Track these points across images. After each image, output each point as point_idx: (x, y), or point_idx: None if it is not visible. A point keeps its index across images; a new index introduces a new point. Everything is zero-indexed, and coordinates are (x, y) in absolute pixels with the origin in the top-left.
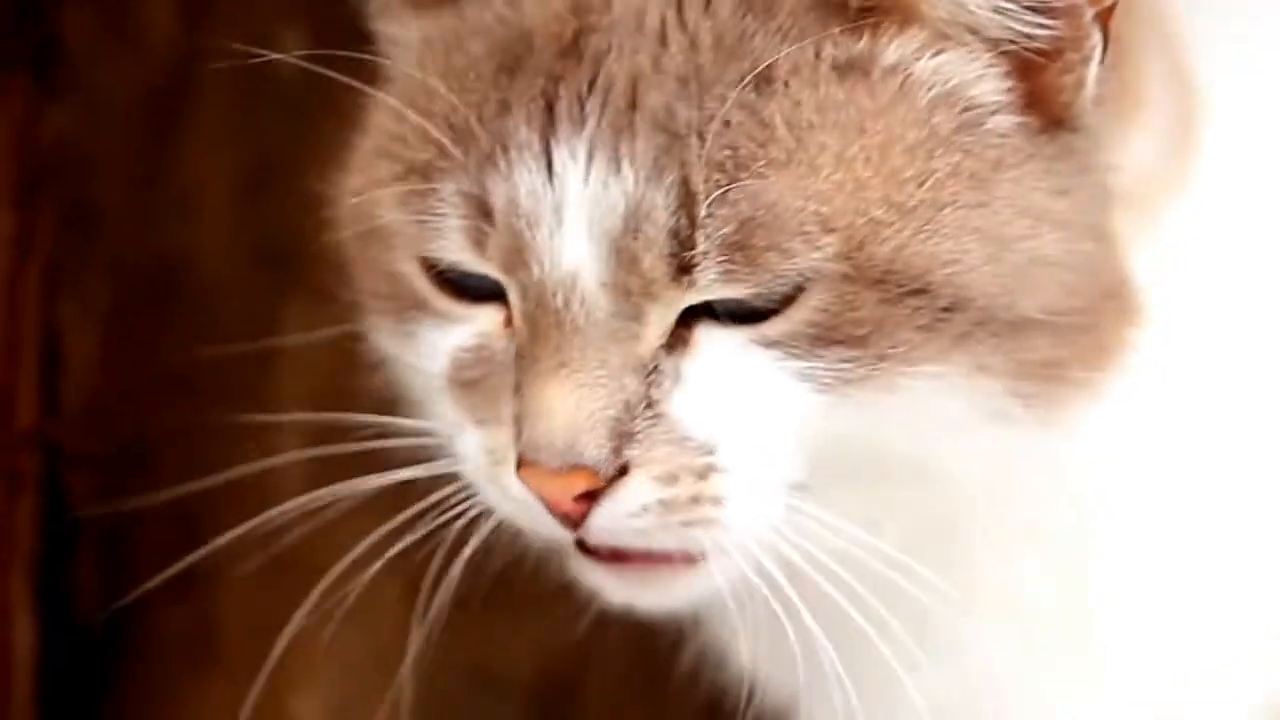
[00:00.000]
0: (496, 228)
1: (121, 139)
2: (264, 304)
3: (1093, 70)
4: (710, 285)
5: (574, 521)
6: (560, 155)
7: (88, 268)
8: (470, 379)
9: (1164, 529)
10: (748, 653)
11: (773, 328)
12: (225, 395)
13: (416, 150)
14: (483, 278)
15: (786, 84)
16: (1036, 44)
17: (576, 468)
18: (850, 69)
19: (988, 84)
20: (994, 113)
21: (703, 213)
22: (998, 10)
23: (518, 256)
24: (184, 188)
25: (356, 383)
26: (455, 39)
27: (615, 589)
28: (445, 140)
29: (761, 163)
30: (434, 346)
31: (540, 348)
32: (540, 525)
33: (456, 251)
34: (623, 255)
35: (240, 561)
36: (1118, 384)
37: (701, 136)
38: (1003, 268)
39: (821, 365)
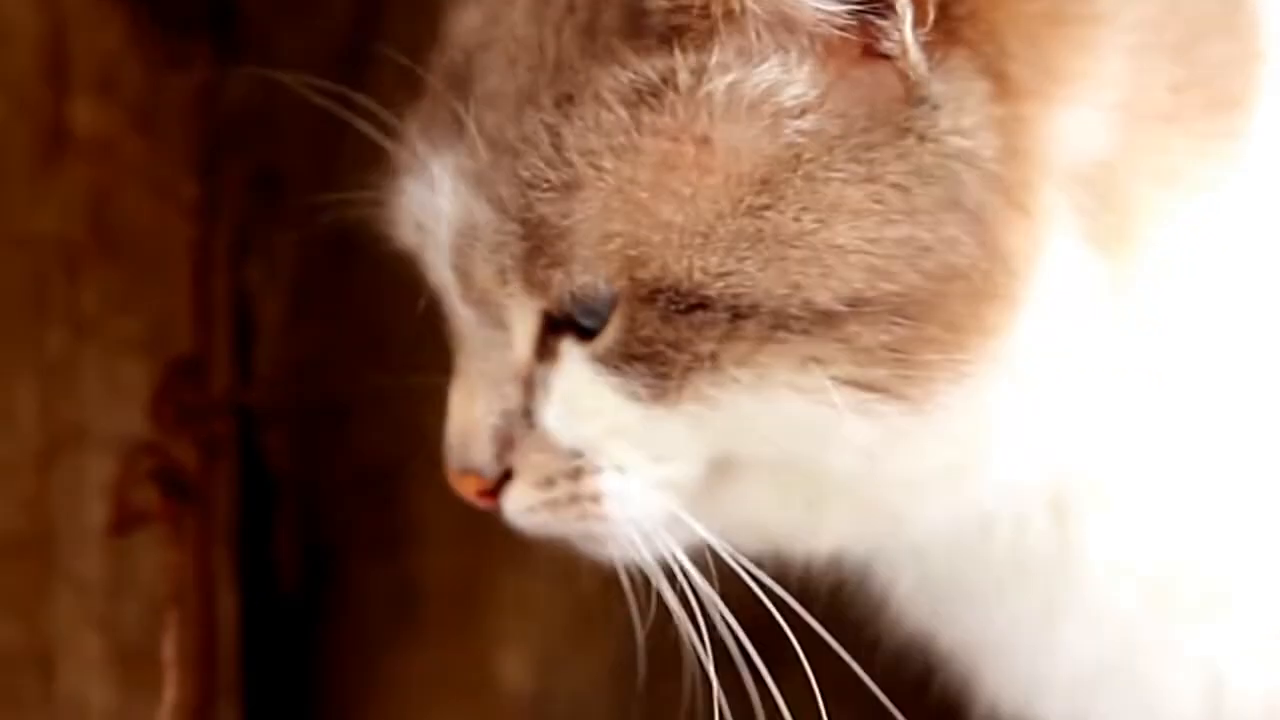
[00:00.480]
0: (413, 235)
1: (303, 101)
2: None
3: (908, 36)
4: (519, 296)
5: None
6: (435, 169)
7: (274, 232)
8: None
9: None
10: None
11: (597, 345)
12: (415, 353)
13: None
14: None
15: (583, 107)
16: (841, 21)
17: (467, 470)
18: (640, 93)
19: (796, 87)
20: (799, 114)
21: (508, 228)
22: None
23: (422, 265)
24: (366, 148)
25: None
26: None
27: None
28: (397, 156)
29: (551, 183)
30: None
31: (455, 353)
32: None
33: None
34: (460, 267)
35: (439, 521)
36: (1000, 365)
37: (513, 154)
38: (787, 266)
39: (634, 380)
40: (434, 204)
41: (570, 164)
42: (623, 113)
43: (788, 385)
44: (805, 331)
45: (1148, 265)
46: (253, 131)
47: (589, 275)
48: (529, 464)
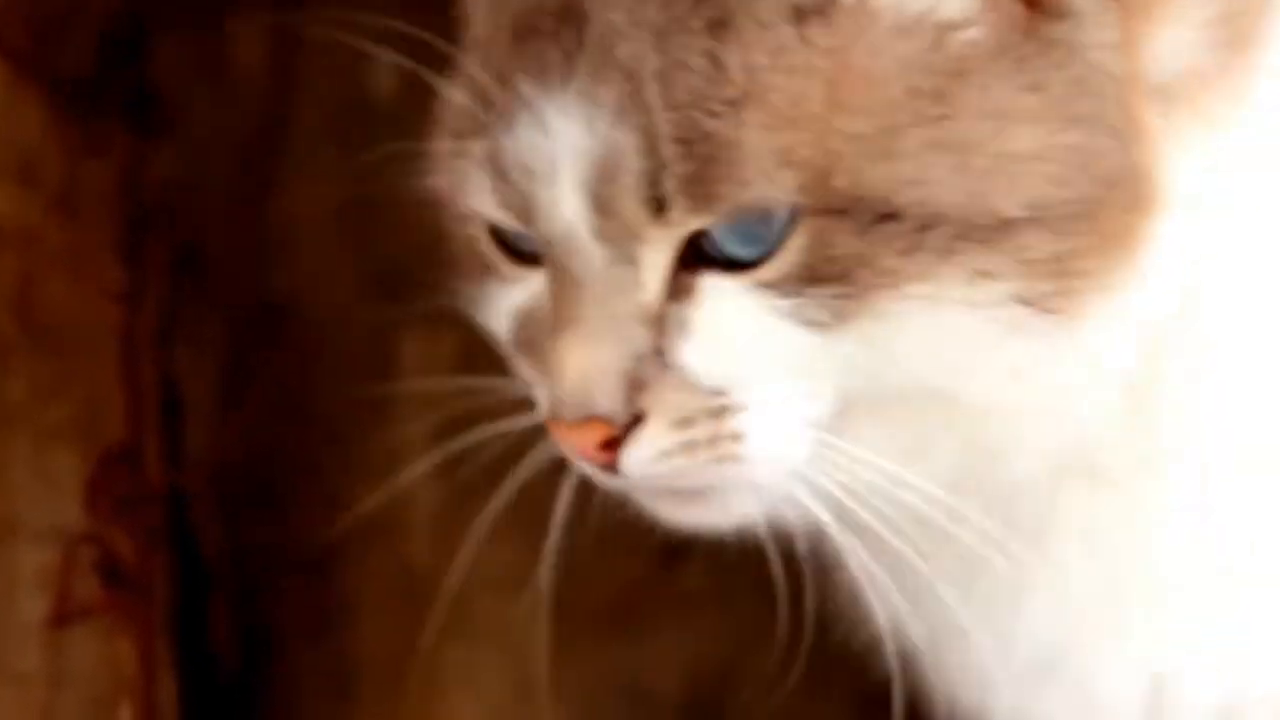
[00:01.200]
0: (511, 187)
1: (223, 180)
2: (379, 335)
3: None
4: (682, 221)
5: (608, 468)
6: (551, 111)
7: (200, 313)
8: (526, 339)
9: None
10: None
11: (766, 272)
12: (348, 431)
13: (456, 118)
14: (527, 238)
15: (743, 28)
16: None
17: (591, 419)
18: (802, 11)
19: (955, 1)
20: (962, 27)
21: (668, 151)
22: None
23: (529, 213)
24: (288, 223)
25: (480, 405)
26: (490, 13)
27: (669, 511)
28: (470, 105)
29: (715, 102)
30: (498, 309)
31: (559, 304)
32: (594, 474)
33: (492, 211)
34: (602, 201)
35: (375, 597)
36: (1138, 276)
37: (661, 80)
38: (970, 174)
39: (812, 303)
40: (551, 144)
41: (736, 83)
42: (788, 30)
43: (961, 300)
44: (983, 241)
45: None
46: (175, 212)
47: (773, 189)
48: (665, 404)
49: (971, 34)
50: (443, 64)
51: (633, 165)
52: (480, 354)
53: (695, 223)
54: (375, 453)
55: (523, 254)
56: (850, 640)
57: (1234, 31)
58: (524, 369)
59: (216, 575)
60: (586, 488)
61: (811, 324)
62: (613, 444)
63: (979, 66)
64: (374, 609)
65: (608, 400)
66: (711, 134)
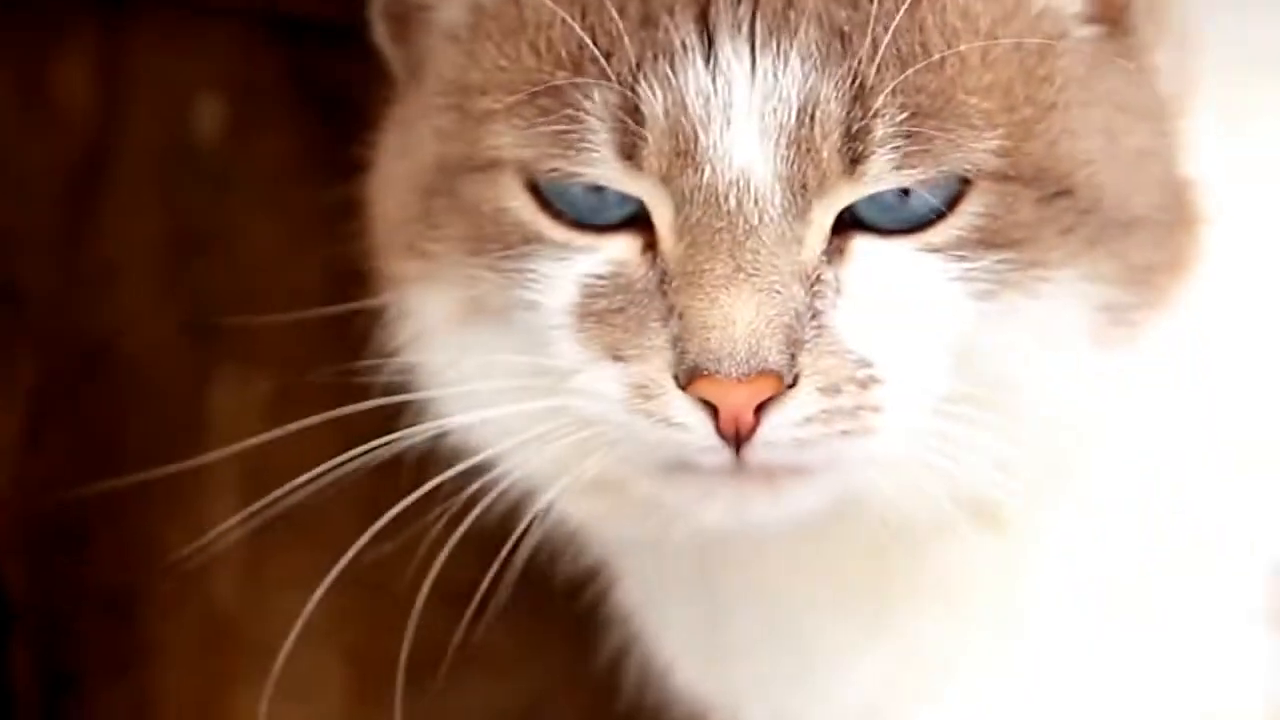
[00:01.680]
0: (655, 134)
1: (43, 216)
2: (192, 376)
3: None
4: (881, 175)
5: (742, 437)
6: (724, 54)
7: (13, 348)
8: (605, 309)
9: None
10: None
11: (938, 234)
12: (154, 468)
13: (544, 70)
14: (619, 202)
15: None
16: None
17: (763, 373)
18: None
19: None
20: (1078, 20)
21: (878, 103)
22: None
23: (684, 160)
24: (107, 262)
25: (289, 451)
26: None
27: (734, 504)
28: (588, 53)
29: (923, 60)
30: (555, 279)
31: (709, 258)
32: (690, 450)
33: (603, 166)
34: (800, 147)
35: (178, 640)
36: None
37: (865, 34)
38: (1119, 163)
39: (983, 269)
40: (727, 87)
41: (935, 44)
42: None
43: (1080, 297)
44: (1113, 238)
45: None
46: None
47: (978, 151)
48: (819, 367)
49: (1084, 28)
50: (271, 108)
51: (834, 113)
52: (292, 396)
53: (892, 181)
54: (183, 495)
55: (588, 223)
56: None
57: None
58: (583, 345)
59: (19, 615)
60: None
61: (976, 291)
62: (762, 407)
63: (1101, 63)
64: (177, 652)
65: (778, 354)
66: (924, 88)
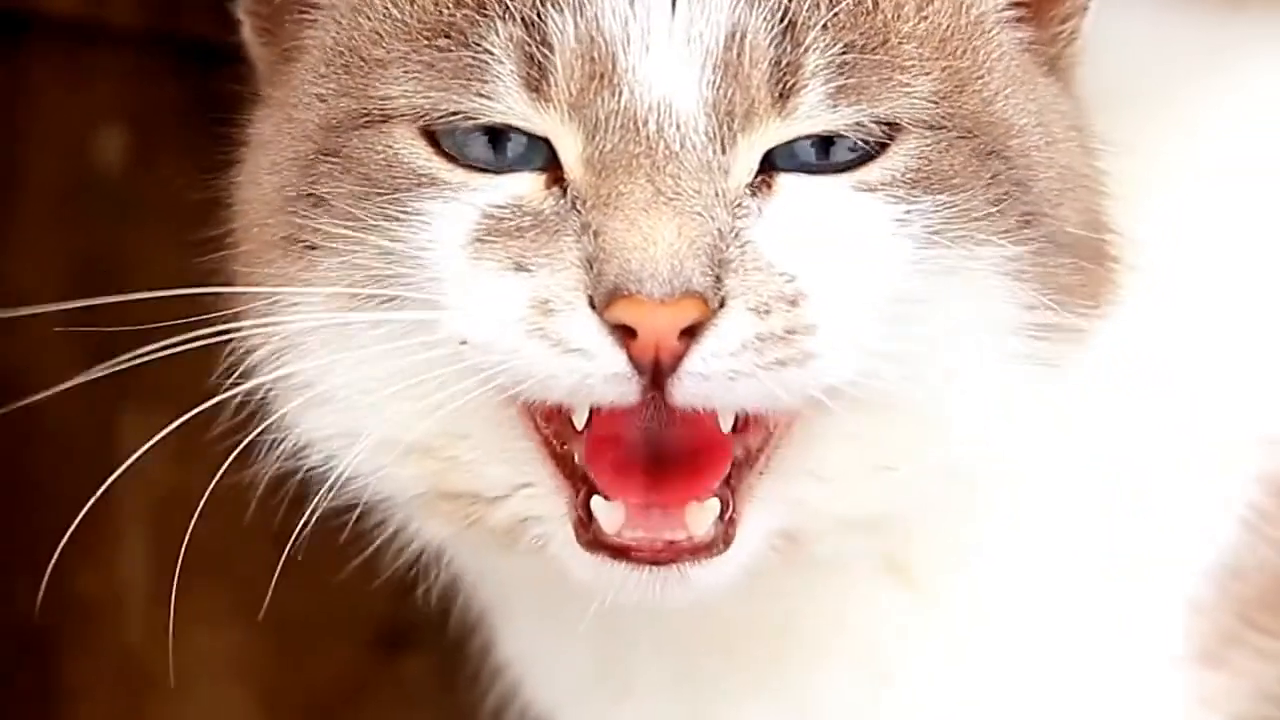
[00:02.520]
0: (564, 59)
1: None
2: (99, 410)
3: (1087, 22)
4: (811, 114)
5: (664, 367)
6: None
7: None
8: (509, 229)
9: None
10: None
11: (870, 173)
12: (66, 509)
13: (444, 12)
14: (522, 151)
15: None
16: None
17: (688, 294)
18: None
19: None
20: (1013, 21)
21: (810, 37)
22: None
23: (598, 84)
24: (11, 295)
25: (198, 487)
26: None
27: (634, 587)
28: None
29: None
30: (451, 216)
31: (625, 182)
32: (598, 383)
33: (507, 99)
34: (726, 72)
35: (93, 678)
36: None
37: None
38: (1054, 162)
39: (919, 212)
40: (640, 14)
41: None
42: None
43: (1011, 283)
44: (1044, 240)
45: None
46: None
47: (909, 88)
48: (747, 285)
49: (1021, 33)
50: (173, 138)
51: (762, 43)
52: (199, 435)
53: (823, 121)
54: (93, 532)
55: (484, 164)
56: None
57: None
58: (473, 264)
59: None
60: (307, 573)
61: (912, 236)
62: (688, 332)
63: (1040, 73)
64: (91, 691)
65: (702, 275)
66: (857, 26)
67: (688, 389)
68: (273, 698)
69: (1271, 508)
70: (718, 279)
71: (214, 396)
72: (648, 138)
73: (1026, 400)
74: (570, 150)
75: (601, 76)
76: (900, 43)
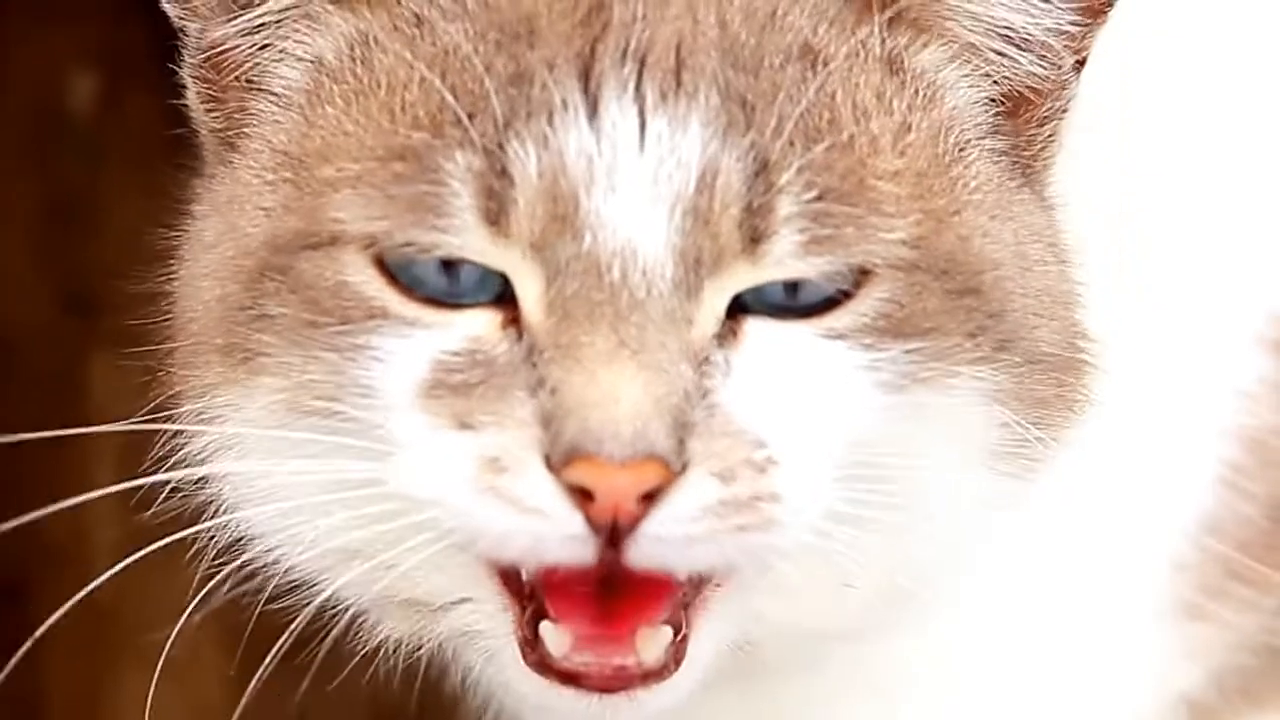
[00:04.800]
0: (526, 196)
1: None
2: (70, 351)
3: (1065, 124)
4: (782, 261)
5: (621, 529)
6: (609, 114)
7: None
8: (459, 383)
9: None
10: None
11: (839, 320)
12: (35, 455)
13: (399, 132)
14: (477, 281)
15: (841, 66)
16: (1026, 82)
17: (650, 457)
18: (891, 64)
19: (981, 110)
20: (989, 135)
21: (783, 179)
22: (1006, 40)
23: (560, 225)
24: None
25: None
26: (417, 27)
27: (583, 712)
28: (449, 114)
29: (832, 138)
30: (399, 355)
31: (587, 331)
32: (553, 544)
33: (465, 234)
34: (696, 216)
35: (61, 630)
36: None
37: (770, 105)
38: (1030, 288)
39: (889, 359)
40: (607, 153)
41: (846, 122)
42: (887, 80)
43: (985, 405)
44: (1018, 364)
45: None
46: None
47: (884, 234)
48: (712, 450)
49: (997, 144)
50: (143, 81)
51: (734, 186)
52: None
53: (793, 268)
54: (61, 480)
55: (440, 297)
56: None
57: None
58: (421, 418)
59: None
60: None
61: (881, 384)
62: (648, 497)
63: (1015, 188)
64: (60, 640)
65: (666, 438)
66: (833, 167)
67: (644, 551)
68: (230, 639)
69: (1248, 463)
70: (681, 442)
71: None
72: (611, 284)
73: (1000, 514)
74: (529, 290)
75: (564, 219)
76: (876, 181)
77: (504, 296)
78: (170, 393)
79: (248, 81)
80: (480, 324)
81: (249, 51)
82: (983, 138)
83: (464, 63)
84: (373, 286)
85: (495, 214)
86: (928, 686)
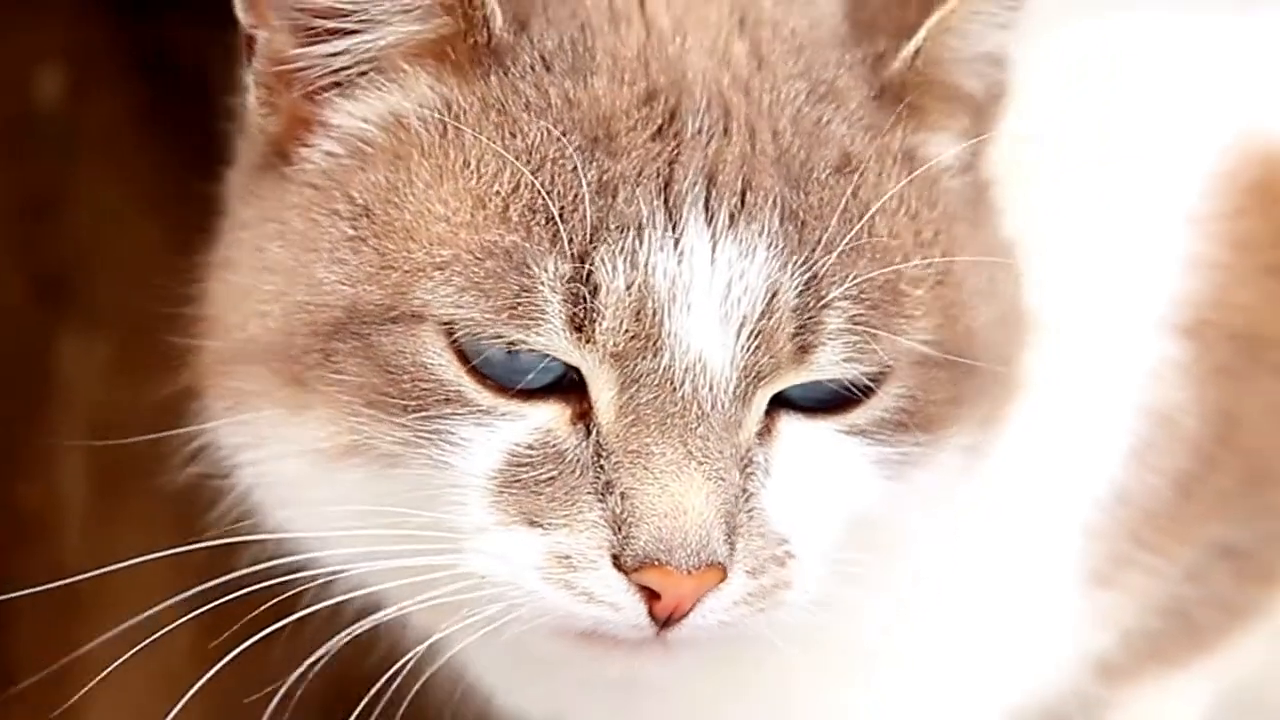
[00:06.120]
0: (612, 311)
1: None
2: (39, 336)
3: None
4: (826, 366)
5: (674, 620)
6: (689, 234)
7: None
8: (531, 478)
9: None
10: None
11: (860, 416)
12: (3, 431)
13: (490, 228)
14: (543, 367)
15: (872, 170)
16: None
17: (711, 566)
18: (908, 157)
19: (955, 147)
20: (961, 171)
21: (831, 294)
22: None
23: (643, 343)
24: None
25: (134, 408)
26: (501, 113)
27: (631, 666)
28: (542, 214)
29: (870, 247)
30: (476, 444)
31: (658, 441)
32: (613, 624)
33: (551, 336)
34: (759, 336)
35: (30, 597)
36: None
37: (819, 221)
38: (1004, 319)
39: (895, 451)
40: (685, 272)
41: (879, 228)
42: (904, 176)
43: (957, 450)
44: (985, 392)
45: None
46: None
47: (914, 335)
48: (749, 550)
49: (965, 175)
50: (110, 75)
51: (791, 303)
52: (135, 358)
53: (836, 371)
54: (29, 453)
55: (514, 387)
56: None
57: None
58: (492, 509)
59: None
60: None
61: (886, 471)
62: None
63: (973, 205)
64: (29, 610)
65: (724, 546)
66: (874, 279)
67: (685, 634)
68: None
69: (1156, 437)
70: (732, 547)
71: (151, 322)
72: (683, 398)
73: (951, 500)
74: (604, 392)
75: (648, 336)
76: (905, 287)
77: (568, 384)
78: (193, 382)
79: (315, 105)
80: (551, 416)
81: (322, 74)
82: (951, 188)
83: (555, 164)
84: (450, 371)
85: (580, 321)
86: (871, 652)
